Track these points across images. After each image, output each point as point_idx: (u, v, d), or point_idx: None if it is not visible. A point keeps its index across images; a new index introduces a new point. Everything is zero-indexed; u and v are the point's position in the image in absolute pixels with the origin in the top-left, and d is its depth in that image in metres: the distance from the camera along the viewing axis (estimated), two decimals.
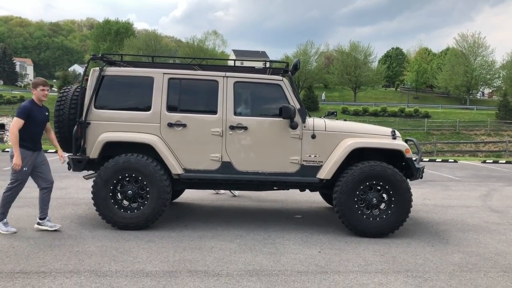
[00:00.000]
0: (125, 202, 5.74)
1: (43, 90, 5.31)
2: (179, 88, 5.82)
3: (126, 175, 5.59)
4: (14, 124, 5.13)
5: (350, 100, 60.98)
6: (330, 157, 5.77)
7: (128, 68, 6.16)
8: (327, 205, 7.68)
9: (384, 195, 5.74)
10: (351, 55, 64.14)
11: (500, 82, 61.89)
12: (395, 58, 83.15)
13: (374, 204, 5.70)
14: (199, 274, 4.22)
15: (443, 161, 18.97)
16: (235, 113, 5.80)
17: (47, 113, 5.47)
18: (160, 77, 5.78)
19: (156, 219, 5.73)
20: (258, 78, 5.92)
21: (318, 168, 5.80)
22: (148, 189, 5.61)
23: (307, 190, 6.44)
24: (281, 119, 5.71)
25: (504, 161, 19.75)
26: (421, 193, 9.33)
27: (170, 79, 5.81)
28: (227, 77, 5.83)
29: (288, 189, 6.48)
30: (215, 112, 5.77)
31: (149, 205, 5.59)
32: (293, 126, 5.72)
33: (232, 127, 5.75)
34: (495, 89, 66.07)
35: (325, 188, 6.08)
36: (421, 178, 6.23)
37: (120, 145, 5.70)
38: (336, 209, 5.72)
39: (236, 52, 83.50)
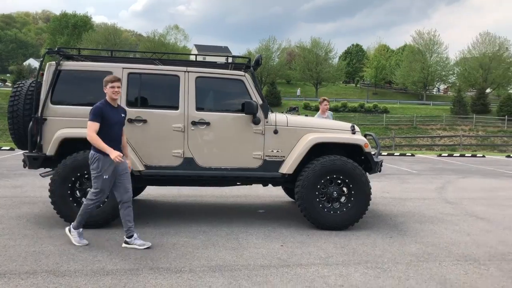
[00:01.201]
0: (84, 200, 5.59)
1: (112, 87, 4.74)
2: (139, 83, 5.72)
3: (85, 172, 5.45)
4: (89, 128, 4.67)
5: (312, 96, 61.69)
6: (292, 152, 5.84)
7: (86, 62, 6.00)
8: (290, 199, 7.77)
9: (344, 189, 5.86)
10: (312, 51, 64.97)
11: (454, 78, 64.24)
12: (355, 54, 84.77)
13: (335, 198, 5.81)
14: (161, 271, 4.18)
15: (401, 155, 19.53)
16: (197, 109, 5.76)
17: (123, 115, 4.98)
18: (119, 72, 5.66)
19: (117, 216, 5.62)
20: (220, 73, 5.90)
21: (280, 163, 5.85)
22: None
23: (270, 185, 6.49)
24: (244, 114, 5.72)
25: (458, 155, 20.56)
26: (380, 186, 9.58)
27: (129, 73, 5.71)
28: (188, 72, 5.79)
29: (251, 184, 6.51)
30: (176, 108, 5.71)
31: (108, 203, 5.48)
32: (256, 122, 5.75)
33: (194, 123, 5.71)
34: (450, 85, 68.48)
35: (288, 182, 6.15)
36: (380, 171, 6.41)
37: (78, 141, 5.55)
38: (298, 203, 5.79)
39: (198, 47, 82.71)
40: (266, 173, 5.85)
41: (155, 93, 5.89)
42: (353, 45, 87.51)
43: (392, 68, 67.54)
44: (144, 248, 4.77)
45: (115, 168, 4.76)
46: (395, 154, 19.61)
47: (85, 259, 4.43)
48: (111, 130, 4.75)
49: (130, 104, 5.66)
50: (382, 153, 19.19)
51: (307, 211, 5.74)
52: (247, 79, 5.86)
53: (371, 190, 5.92)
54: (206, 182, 6.07)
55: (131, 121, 5.59)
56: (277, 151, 5.85)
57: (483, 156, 20.23)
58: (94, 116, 4.66)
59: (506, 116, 42.15)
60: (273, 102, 46.23)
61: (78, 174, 5.47)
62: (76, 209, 5.44)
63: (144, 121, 5.64)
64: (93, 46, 60.75)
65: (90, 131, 4.65)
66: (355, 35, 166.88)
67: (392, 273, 4.33)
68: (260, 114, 5.77)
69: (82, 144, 5.49)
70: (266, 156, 5.83)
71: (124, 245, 4.85)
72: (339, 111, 48.08)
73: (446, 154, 20.55)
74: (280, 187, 7.35)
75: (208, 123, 5.73)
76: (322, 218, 5.76)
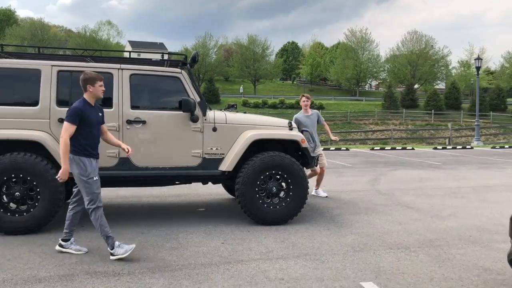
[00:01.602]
0: (12, 205, 5.29)
1: (101, 86, 4.53)
2: (70, 81, 5.47)
3: (13, 175, 5.15)
4: (64, 130, 4.36)
5: (250, 93, 62.15)
6: (231, 149, 5.84)
7: (10, 59, 5.66)
8: (230, 196, 7.79)
9: (283, 184, 5.96)
10: (249, 48, 65.40)
11: (385, 74, 67.26)
12: (291, 52, 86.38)
13: (274, 193, 5.90)
14: (99, 275, 4.04)
15: (336, 149, 20.15)
16: (132, 107, 5.61)
17: (101, 114, 4.69)
18: (48, 70, 5.39)
19: (49, 221, 5.37)
20: (156, 71, 5.79)
21: (220, 160, 5.84)
22: (38, 189, 5.22)
23: (210, 183, 6.47)
24: (181, 112, 5.65)
25: (389, 148, 21.54)
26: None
27: (59, 71, 5.45)
28: (122, 69, 5.62)
29: (191, 183, 6.45)
30: (110, 106, 5.53)
31: (40, 207, 5.22)
32: (194, 119, 5.69)
33: (129, 122, 5.56)
34: (381, 81, 71.63)
35: (228, 180, 6.16)
36: (316, 166, 6.59)
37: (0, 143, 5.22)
38: (238, 200, 5.82)
39: (132, 43, 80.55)
40: (206, 171, 5.82)
41: None
42: (289, 42, 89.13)
43: (327, 65, 69.51)
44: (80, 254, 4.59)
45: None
46: (330, 148, 20.21)
47: (15, 267, 4.20)
48: (91, 131, 4.48)
49: (60, 103, 5.40)
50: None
51: (248, 208, 5.78)
52: (183, 76, 5.79)
53: (308, 184, 6.07)
54: (144, 182, 5.94)
55: (62, 120, 5.34)
56: (216, 149, 5.84)
57: (413, 149, 21.34)
58: (72, 118, 4.35)
59: (432, 110, 44.80)
60: (211, 99, 46.09)
61: (5, 178, 5.15)
62: (3, 214, 5.13)
63: None
64: (18, 42, 57.46)
65: (65, 134, 4.33)
66: (291, 32, 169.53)
67: (330, 264, 4.47)
68: (198, 111, 5.72)
69: (4, 146, 5.19)
70: (205, 154, 5.80)
71: (58, 248, 4.64)
72: (277, 108, 48.86)
73: (379, 148, 21.48)
74: (220, 184, 7.34)
75: (144, 122, 5.60)
76: (262, 214, 5.82)
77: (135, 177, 5.66)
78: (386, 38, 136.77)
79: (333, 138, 8.57)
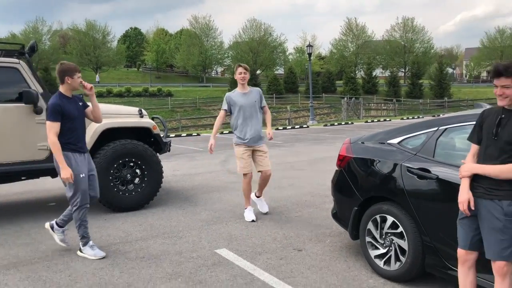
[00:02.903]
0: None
1: (79, 77, 4.23)
2: None
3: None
4: (49, 130, 4.05)
5: (92, 82, 58.80)
6: None
7: None
8: None
9: (138, 170, 6.14)
10: (88, 34, 61.75)
11: (229, 61, 69.62)
12: (134, 38, 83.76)
13: (129, 180, 6.04)
14: None
15: (188, 135, 20.57)
16: None
17: (81, 103, 4.35)
18: None
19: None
20: None
21: None
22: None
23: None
24: (23, 104, 5.40)
25: None
26: (170, 166, 10.12)
27: None
28: None
29: (39, 178, 6.20)
30: None
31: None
32: (38, 112, 5.49)
33: None
34: (226, 67, 73.97)
35: None
36: (169, 151, 6.88)
37: None
38: None
39: None
40: (54, 164, 5.67)
41: None
42: (131, 28, 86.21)
43: (172, 52, 69.19)
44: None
45: (86, 164, 4.30)
46: (182, 135, 20.55)
47: None
48: (74, 125, 4.19)
49: None
50: (170, 135, 19.90)
51: (102, 197, 5.79)
52: (22, 67, 5.53)
53: (162, 169, 6.34)
54: None
55: None
56: None
57: None
58: (53, 115, 4.05)
59: (274, 94, 48.10)
60: (49, 89, 42.54)
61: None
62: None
63: None
64: None
65: (50, 133, 4.05)
66: (132, 17, 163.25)
67: (187, 238, 4.86)
68: (41, 103, 5.53)
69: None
70: None
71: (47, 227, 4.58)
72: (123, 97, 47.25)
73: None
74: None
75: None
76: (118, 201, 5.93)
77: None
78: (229, 26, 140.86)
79: (269, 135, 5.75)
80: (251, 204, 5.75)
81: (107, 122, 5.91)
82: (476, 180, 2.70)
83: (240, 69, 5.55)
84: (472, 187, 2.71)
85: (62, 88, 4.21)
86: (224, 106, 5.66)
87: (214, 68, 75.76)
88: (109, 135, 6.01)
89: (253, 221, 5.42)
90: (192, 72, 68.99)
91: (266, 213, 5.80)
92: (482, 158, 2.70)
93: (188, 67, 66.98)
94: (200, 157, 11.98)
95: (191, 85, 61.93)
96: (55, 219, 4.53)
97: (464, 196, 2.69)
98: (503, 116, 2.64)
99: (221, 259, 4.24)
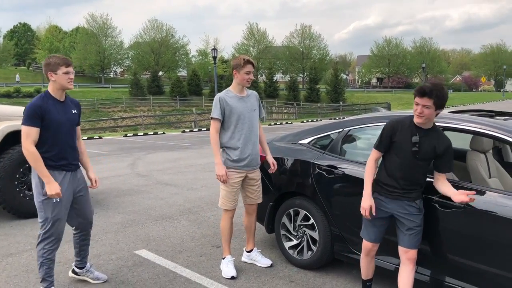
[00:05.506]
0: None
1: (67, 73, 3.34)
2: None
3: None
4: (24, 137, 3.21)
5: None
6: None
7: None
8: None
9: None
10: None
11: (129, 61, 67.57)
12: (23, 34, 77.87)
13: None
14: None
15: (88, 138, 19.73)
16: None
17: (74, 111, 3.48)
18: None
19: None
20: None
21: None
22: None
23: None
24: None
25: (142, 133, 22.26)
26: None
27: None
28: None
29: None
30: None
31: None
32: None
33: None
34: (126, 68, 71.62)
35: None
36: None
37: None
38: None
39: None
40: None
41: None
42: (20, 23, 79.88)
43: (67, 51, 65.35)
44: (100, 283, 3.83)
45: (69, 185, 3.41)
46: (83, 138, 19.67)
47: None
48: (59, 133, 3.32)
49: None
50: None
51: (8, 203, 5.53)
52: None
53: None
54: None
55: None
56: None
57: (164, 133, 22.58)
58: (29, 119, 3.21)
59: (177, 97, 47.68)
60: None
61: None
62: None
63: None
64: None
65: (26, 142, 3.20)
66: (20, 11, 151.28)
67: (104, 241, 4.83)
68: None
69: None
70: None
71: (70, 274, 3.90)
72: (12, 97, 43.71)
73: (132, 134, 21.95)
74: None
75: None
76: (24, 208, 5.65)
77: None
78: (129, 25, 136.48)
79: (273, 165, 4.07)
80: (231, 253, 4.08)
81: (11, 125, 5.63)
82: (389, 185, 3.00)
83: (248, 67, 3.87)
84: (387, 191, 3.02)
85: (49, 87, 3.40)
86: (217, 112, 3.85)
87: (113, 69, 72.95)
88: (16, 138, 5.71)
89: (233, 277, 3.85)
90: (89, 72, 65.77)
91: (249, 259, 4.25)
92: (397, 169, 2.95)
93: (85, 66, 63.74)
94: (105, 160, 11.64)
95: (89, 86, 58.95)
96: (73, 263, 3.91)
97: (367, 202, 3.04)
98: (418, 135, 2.88)
99: (141, 259, 4.30)
